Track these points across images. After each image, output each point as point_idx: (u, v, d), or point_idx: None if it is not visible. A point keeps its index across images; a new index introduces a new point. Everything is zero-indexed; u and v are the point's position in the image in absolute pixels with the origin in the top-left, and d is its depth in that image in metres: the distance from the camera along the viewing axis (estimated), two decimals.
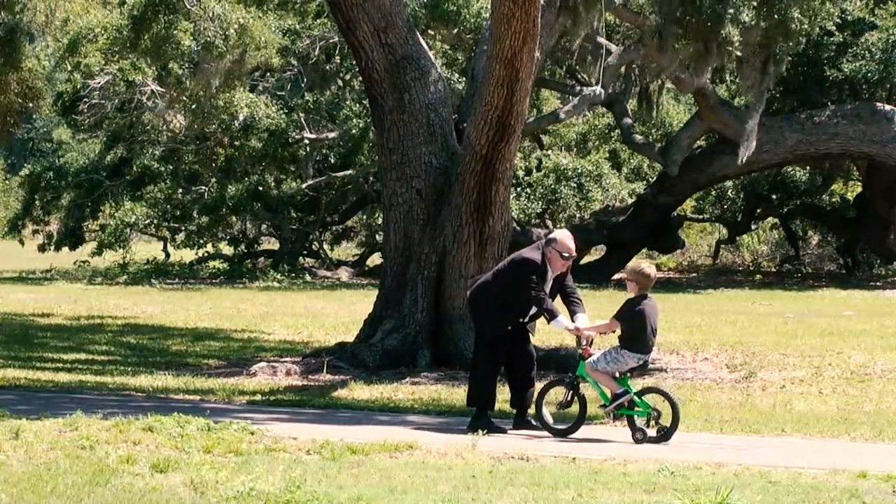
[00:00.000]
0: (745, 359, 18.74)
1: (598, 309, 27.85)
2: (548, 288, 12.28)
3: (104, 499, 8.61)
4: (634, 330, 11.80)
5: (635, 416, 11.72)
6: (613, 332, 12.14)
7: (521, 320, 12.34)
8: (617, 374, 11.90)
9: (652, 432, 11.65)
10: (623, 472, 9.90)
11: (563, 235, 12.43)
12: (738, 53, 28.82)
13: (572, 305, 12.35)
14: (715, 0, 26.01)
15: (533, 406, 12.29)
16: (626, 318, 11.86)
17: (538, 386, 12.52)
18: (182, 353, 19.75)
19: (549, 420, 12.16)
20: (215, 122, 37.11)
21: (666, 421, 11.63)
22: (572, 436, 11.87)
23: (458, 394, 14.96)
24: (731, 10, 26.28)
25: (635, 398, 11.76)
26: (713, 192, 44.56)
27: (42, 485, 8.88)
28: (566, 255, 12.25)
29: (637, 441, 11.54)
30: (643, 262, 12.20)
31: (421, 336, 17.53)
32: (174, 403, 13.51)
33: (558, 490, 9.10)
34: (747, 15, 27.10)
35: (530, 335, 12.58)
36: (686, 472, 9.81)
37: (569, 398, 12.10)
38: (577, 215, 41.11)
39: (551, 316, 12.14)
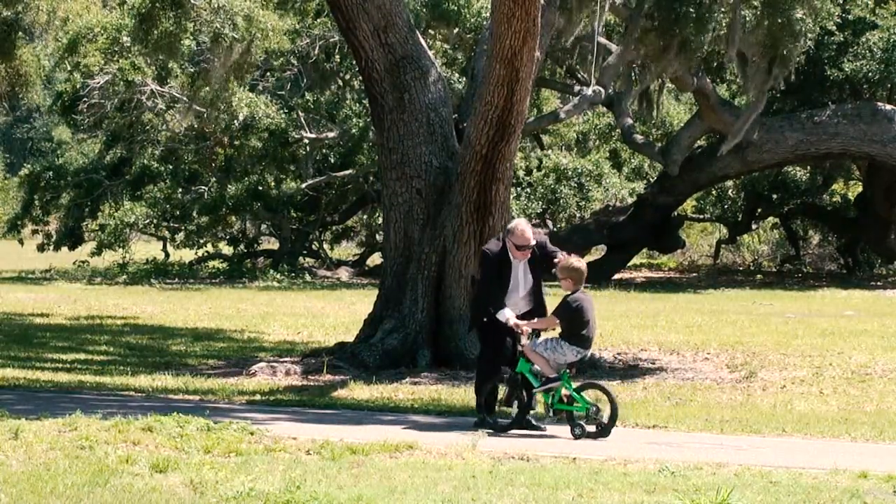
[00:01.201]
0: (745, 359, 18.73)
1: (598, 309, 27.86)
2: (519, 277, 12.27)
3: (104, 499, 8.59)
4: (574, 326, 11.91)
5: (574, 412, 11.83)
6: (553, 328, 12.17)
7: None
8: (558, 371, 11.91)
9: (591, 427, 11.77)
10: (623, 472, 9.88)
11: (518, 225, 12.45)
12: (700, 56, 28.90)
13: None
14: (690, 4, 26.01)
15: (518, 403, 12.28)
16: (566, 315, 11.95)
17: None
18: (182, 353, 19.74)
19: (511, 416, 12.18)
20: (220, 119, 37.08)
21: (605, 417, 11.76)
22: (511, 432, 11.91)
23: (458, 394, 14.95)
24: (699, 17, 26.19)
25: (574, 394, 11.85)
26: (714, 192, 44.57)
27: (41, 485, 8.86)
28: (521, 244, 12.25)
29: (576, 437, 11.65)
30: (572, 257, 12.18)
31: (421, 336, 17.51)
32: (174, 403, 13.49)
33: (558, 490, 9.08)
34: (719, 22, 27.03)
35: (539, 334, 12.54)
36: (686, 472, 9.80)
37: (510, 394, 12.17)
38: (577, 215, 41.11)
39: (494, 308, 12.20)
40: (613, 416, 11.74)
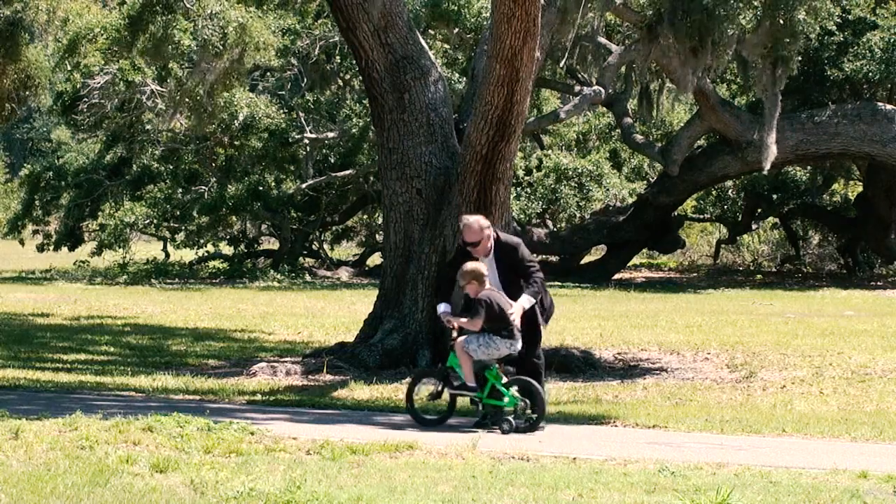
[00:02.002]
0: (745, 359, 18.73)
1: (598, 309, 27.91)
2: (490, 273, 12.28)
3: (104, 499, 8.59)
4: (495, 321, 12.02)
5: (503, 408, 11.98)
6: (479, 329, 12.22)
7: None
8: (490, 366, 12.04)
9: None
10: (623, 472, 9.88)
11: (464, 221, 12.52)
12: (729, 56, 28.84)
13: (523, 292, 12.34)
14: (713, 1, 25.99)
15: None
16: (480, 313, 12.06)
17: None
18: (182, 353, 19.74)
19: (418, 409, 12.44)
20: (215, 123, 37.09)
21: (533, 412, 11.94)
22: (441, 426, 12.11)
23: None
24: (727, 12, 26.19)
25: (502, 389, 11.99)
26: (713, 192, 44.58)
27: (42, 485, 8.86)
28: (468, 241, 12.34)
29: (504, 432, 11.76)
30: (466, 263, 12.34)
31: (421, 336, 17.51)
32: (174, 403, 13.50)
33: (558, 490, 9.08)
34: (744, 18, 27.06)
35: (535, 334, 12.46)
36: (686, 472, 9.79)
37: (439, 389, 12.34)
38: (577, 215, 41.12)
39: (438, 300, 12.40)
40: (541, 412, 11.94)
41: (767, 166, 33.56)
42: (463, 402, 12.52)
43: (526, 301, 12.20)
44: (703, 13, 26.02)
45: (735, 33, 27.17)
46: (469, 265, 12.17)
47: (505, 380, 12.15)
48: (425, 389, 12.77)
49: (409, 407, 12.45)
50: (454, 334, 12.23)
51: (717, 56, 28.53)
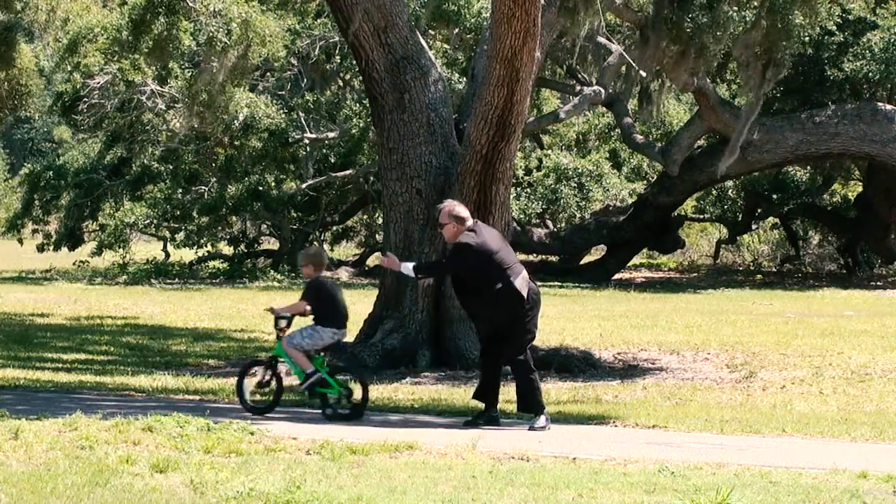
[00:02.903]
0: (745, 359, 18.73)
1: (598, 309, 27.90)
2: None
3: (104, 499, 8.58)
4: (324, 307, 12.36)
5: (328, 395, 12.36)
6: (305, 313, 12.50)
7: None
8: (313, 353, 12.38)
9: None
10: (623, 472, 9.88)
11: (441, 204, 12.63)
12: (716, 63, 28.91)
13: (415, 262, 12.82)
14: (703, 7, 25.99)
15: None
16: (312, 297, 12.41)
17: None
18: (182, 353, 19.74)
19: (248, 399, 12.77)
20: (218, 122, 37.09)
21: (357, 399, 12.40)
22: (270, 415, 12.49)
23: (458, 394, 14.95)
24: (713, 27, 26.14)
25: (327, 377, 12.33)
26: (713, 192, 44.57)
27: (42, 485, 8.86)
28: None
29: (327, 417, 12.22)
30: (311, 247, 12.83)
31: (421, 336, 17.52)
32: (174, 403, 13.50)
33: (558, 490, 9.07)
34: (731, 31, 27.02)
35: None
36: (686, 472, 9.79)
37: (267, 378, 12.70)
38: (578, 215, 41.12)
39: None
40: (365, 399, 12.38)
41: (723, 169, 33.82)
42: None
43: (405, 266, 12.40)
44: (692, 22, 26.02)
45: (719, 47, 27.16)
46: (313, 249, 12.54)
47: (329, 368, 12.48)
48: (253, 379, 12.96)
49: (239, 396, 12.78)
50: (280, 323, 12.53)
51: (705, 62, 28.55)
